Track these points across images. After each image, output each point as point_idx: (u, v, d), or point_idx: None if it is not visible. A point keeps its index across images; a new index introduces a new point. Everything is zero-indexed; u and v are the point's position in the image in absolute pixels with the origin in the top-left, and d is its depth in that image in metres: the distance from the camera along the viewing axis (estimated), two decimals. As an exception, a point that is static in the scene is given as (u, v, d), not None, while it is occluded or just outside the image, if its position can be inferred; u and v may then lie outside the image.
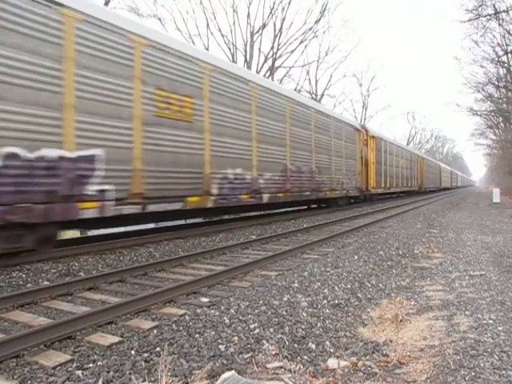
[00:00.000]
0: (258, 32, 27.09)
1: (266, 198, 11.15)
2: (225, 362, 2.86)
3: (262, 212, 15.34)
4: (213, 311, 3.89)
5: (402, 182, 29.14)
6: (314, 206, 18.07)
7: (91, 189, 6.52)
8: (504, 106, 32.86)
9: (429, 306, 4.41)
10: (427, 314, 4.13)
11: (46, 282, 5.15)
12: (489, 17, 19.27)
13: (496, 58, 26.38)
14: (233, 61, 25.78)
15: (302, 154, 13.76)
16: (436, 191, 47.33)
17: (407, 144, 61.68)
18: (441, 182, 51.53)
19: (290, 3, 27.42)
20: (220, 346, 3.09)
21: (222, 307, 4.02)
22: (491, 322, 3.77)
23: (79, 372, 2.69)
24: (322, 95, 35.18)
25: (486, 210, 19.20)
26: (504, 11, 19.40)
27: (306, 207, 17.63)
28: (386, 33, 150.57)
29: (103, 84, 6.78)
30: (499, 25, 21.81)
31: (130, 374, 2.66)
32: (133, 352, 2.99)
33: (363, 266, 6.11)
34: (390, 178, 25.18)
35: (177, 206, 8.12)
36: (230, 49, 26.95)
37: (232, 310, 3.92)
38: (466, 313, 4.07)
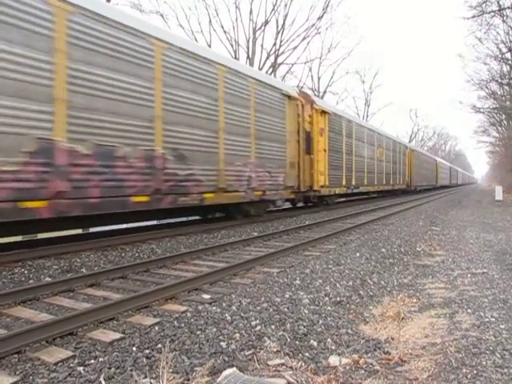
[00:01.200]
0: (260, 29, 27.07)
1: None
2: (226, 358, 2.87)
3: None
4: (214, 308, 3.89)
5: (379, 179, 22.45)
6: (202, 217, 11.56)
7: None
8: (507, 103, 32.73)
9: (431, 303, 4.41)
10: (429, 312, 4.13)
11: (47, 279, 5.16)
12: (493, 13, 19.20)
13: (500, 55, 26.30)
14: (235, 57, 25.74)
15: (121, 122, 6.97)
16: (431, 190, 41.21)
17: (409, 141, 61.31)
18: (437, 179, 44.85)
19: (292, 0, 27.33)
20: (221, 343, 3.09)
21: (224, 304, 4.02)
22: (493, 320, 3.76)
23: (81, 368, 2.70)
24: (325, 92, 35.16)
25: (489, 207, 19.15)
26: (508, 8, 19.30)
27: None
28: (389, 30, 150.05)
29: None
30: (503, 21, 21.73)
31: (131, 370, 2.66)
32: (134, 348, 3.00)
33: (365, 264, 6.10)
34: (358, 174, 18.76)
35: None
36: (232, 45, 26.92)
37: (234, 307, 3.92)
38: (468, 311, 4.07)
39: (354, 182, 18.24)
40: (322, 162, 14.57)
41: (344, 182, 17.04)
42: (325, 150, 14.79)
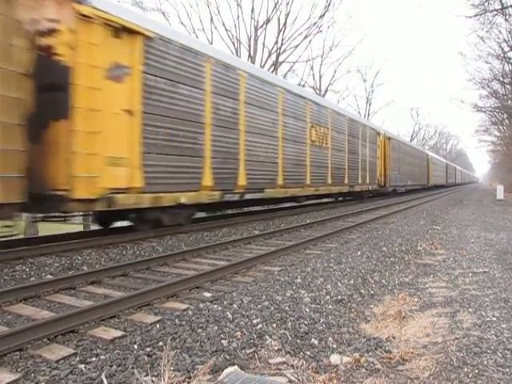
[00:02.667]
0: (262, 27, 26.97)
1: None
2: (227, 357, 2.87)
3: (266, 207, 15.21)
4: (216, 306, 3.89)
5: (319, 177, 14.31)
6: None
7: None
8: (509, 102, 32.64)
9: (432, 302, 4.40)
10: (430, 311, 4.12)
11: (49, 276, 5.16)
12: (495, 12, 19.09)
13: (502, 54, 26.17)
14: (237, 55, 25.72)
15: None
16: (420, 191, 34.40)
17: (411, 140, 61.05)
18: (429, 177, 37.84)
19: (294, -3, 27.26)
20: (223, 341, 3.09)
21: (225, 302, 4.02)
22: (494, 319, 3.76)
23: (82, 366, 2.70)
24: (326, 90, 35.05)
25: (490, 206, 19.13)
26: (511, 6, 19.20)
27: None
28: (391, 28, 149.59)
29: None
30: (505, 20, 21.61)
31: (132, 368, 2.66)
32: (135, 346, 3.00)
33: (366, 262, 6.10)
34: (256, 166, 10.62)
35: None
36: (233, 43, 26.86)
37: (235, 305, 3.92)
38: (470, 310, 4.06)
39: (243, 182, 9.96)
40: (115, 134, 6.87)
41: (209, 182, 8.85)
42: (130, 113, 7.09)
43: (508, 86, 31.17)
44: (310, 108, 13.80)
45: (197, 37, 25.13)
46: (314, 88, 33.67)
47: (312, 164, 13.84)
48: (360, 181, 18.86)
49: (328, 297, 4.36)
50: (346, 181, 17.12)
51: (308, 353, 3.06)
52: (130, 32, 7.00)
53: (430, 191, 37.00)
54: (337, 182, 16.04)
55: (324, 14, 28.61)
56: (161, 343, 3.03)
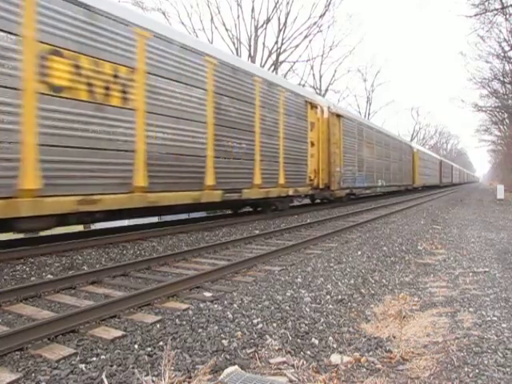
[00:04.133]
0: (262, 26, 27.02)
1: None
2: (228, 356, 2.87)
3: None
4: (216, 306, 3.89)
5: (112, 172, 6.53)
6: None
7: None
8: (509, 102, 32.64)
9: (432, 302, 4.40)
10: (431, 311, 4.12)
11: (49, 276, 5.17)
12: (495, 11, 19.09)
13: (502, 54, 26.18)
14: (237, 55, 25.71)
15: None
16: (402, 194, 28.30)
17: (411, 140, 60.88)
18: (415, 175, 30.99)
19: (294, -3, 27.25)
20: (223, 341, 3.09)
21: (226, 302, 4.02)
22: (495, 319, 3.75)
23: (82, 365, 2.70)
24: (327, 90, 35.06)
25: (490, 206, 19.11)
26: (511, 5, 19.19)
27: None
28: (391, 27, 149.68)
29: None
30: (506, 20, 21.62)
31: (133, 367, 2.66)
32: (136, 346, 3.00)
33: (366, 262, 6.10)
34: None
35: None
36: (234, 43, 26.89)
37: (235, 305, 3.92)
38: (470, 309, 4.06)
39: None
40: None
41: None
42: None
43: (508, 86, 31.16)
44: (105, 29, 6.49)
45: (197, 36, 25.15)
46: (314, 87, 33.68)
47: (85, 145, 6.22)
48: (259, 181, 10.72)
49: (328, 296, 4.36)
50: (212, 181, 8.90)
51: (308, 352, 3.06)
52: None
53: (429, 191, 36.01)
54: (180, 183, 8.09)
55: (324, 14, 28.71)
56: (161, 343, 3.03)
